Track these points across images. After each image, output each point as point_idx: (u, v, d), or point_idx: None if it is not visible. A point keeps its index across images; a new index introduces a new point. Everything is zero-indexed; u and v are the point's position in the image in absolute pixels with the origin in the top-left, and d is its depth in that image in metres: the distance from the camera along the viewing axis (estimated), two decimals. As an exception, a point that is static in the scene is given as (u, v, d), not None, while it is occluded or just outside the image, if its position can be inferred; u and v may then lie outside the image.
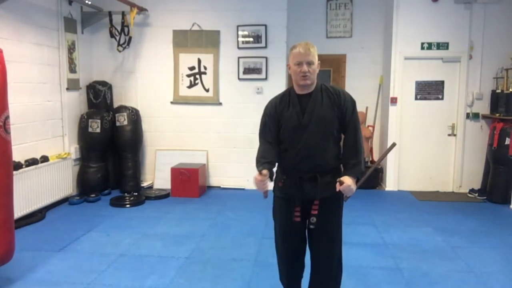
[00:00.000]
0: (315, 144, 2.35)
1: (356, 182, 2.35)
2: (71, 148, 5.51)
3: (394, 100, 6.04)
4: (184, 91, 6.10)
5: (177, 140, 6.17)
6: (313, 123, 2.35)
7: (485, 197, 5.66)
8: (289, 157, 2.42)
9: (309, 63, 2.31)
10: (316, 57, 2.35)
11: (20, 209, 4.32)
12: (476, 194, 5.77)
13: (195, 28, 5.97)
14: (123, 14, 5.75)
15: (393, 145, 2.79)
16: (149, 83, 6.13)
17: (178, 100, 6.11)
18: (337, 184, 2.26)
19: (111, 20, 5.81)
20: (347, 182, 2.25)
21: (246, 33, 5.92)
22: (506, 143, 5.35)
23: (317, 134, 2.35)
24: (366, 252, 3.84)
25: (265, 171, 2.33)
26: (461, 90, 5.95)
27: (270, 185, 2.39)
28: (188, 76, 6.06)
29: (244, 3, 5.90)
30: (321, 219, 2.39)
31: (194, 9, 5.96)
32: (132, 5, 5.61)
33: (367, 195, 5.84)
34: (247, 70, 5.94)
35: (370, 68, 6.51)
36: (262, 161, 2.39)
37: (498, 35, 5.80)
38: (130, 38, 5.86)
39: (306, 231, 2.52)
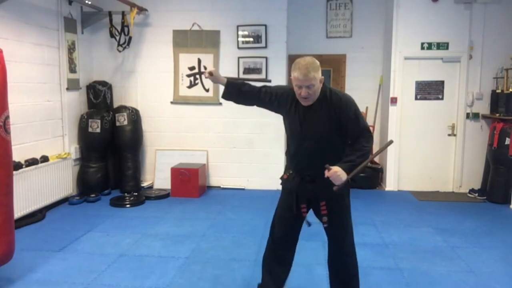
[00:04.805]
0: (313, 155, 2.45)
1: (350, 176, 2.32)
2: (71, 148, 5.51)
3: (394, 100, 6.04)
4: (184, 91, 6.10)
5: (177, 140, 6.17)
6: (311, 137, 2.43)
7: (485, 197, 5.66)
8: (292, 161, 2.56)
9: (309, 87, 2.32)
10: (318, 76, 2.33)
11: (20, 209, 4.32)
12: (476, 194, 5.77)
13: (195, 28, 5.97)
14: (123, 14, 5.75)
15: (390, 142, 2.81)
16: (149, 83, 6.13)
17: (178, 100, 6.11)
18: (326, 170, 2.28)
19: (111, 20, 5.81)
20: (335, 168, 2.27)
21: (246, 33, 5.92)
22: (506, 143, 5.35)
23: (316, 146, 2.44)
24: (366, 252, 3.83)
25: (214, 70, 2.57)
26: (461, 90, 5.95)
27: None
28: (188, 76, 6.05)
29: (244, 3, 5.89)
30: (331, 217, 2.50)
31: (194, 9, 5.96)
32: (132, 5, 5.61)
33: (367, 195, 5.84)
34: (247, 70, 5.94)
35: (370, 68, 6.51)
36: (240, 80, 2.62)
37: (498, 35, 5.80)
38: (130, 38, 5.86)
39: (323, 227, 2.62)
